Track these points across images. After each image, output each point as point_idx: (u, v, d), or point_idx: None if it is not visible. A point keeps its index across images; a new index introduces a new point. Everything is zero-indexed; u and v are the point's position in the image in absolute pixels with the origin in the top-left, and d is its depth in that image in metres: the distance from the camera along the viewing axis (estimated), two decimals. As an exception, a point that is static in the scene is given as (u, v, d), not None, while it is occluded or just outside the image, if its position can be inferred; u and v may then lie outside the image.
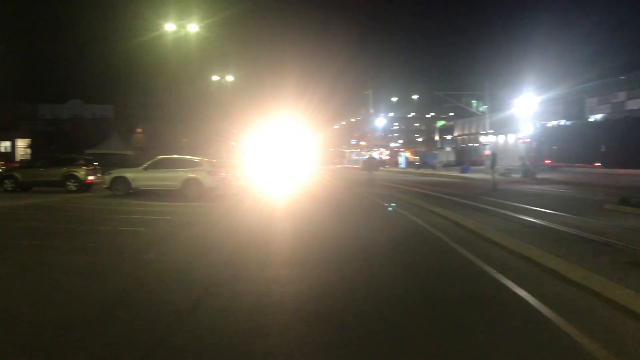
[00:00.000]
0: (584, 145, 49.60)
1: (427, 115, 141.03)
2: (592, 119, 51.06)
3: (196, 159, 22.71)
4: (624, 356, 4.73)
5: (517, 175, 39.49)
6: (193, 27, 37.34)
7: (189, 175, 20.95)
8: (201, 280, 7.46)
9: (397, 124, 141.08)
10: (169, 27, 36.25)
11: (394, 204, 16.22)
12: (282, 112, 57.73)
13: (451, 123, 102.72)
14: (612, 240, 10.70)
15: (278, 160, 47.81)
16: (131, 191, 20.95)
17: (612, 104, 47.33)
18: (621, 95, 46.15)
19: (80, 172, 23.38)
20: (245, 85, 56.01)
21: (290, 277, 7.73)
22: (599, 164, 47.03)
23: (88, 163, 24.86)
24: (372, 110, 60.87)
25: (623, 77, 46.28)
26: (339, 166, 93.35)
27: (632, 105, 44.57)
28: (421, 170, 61.01)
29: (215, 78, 49.12)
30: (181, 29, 36.85)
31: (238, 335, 5.24)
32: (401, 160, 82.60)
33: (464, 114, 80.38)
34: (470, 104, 68.68)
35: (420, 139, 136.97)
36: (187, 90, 45.33)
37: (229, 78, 49.43)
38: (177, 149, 35.63)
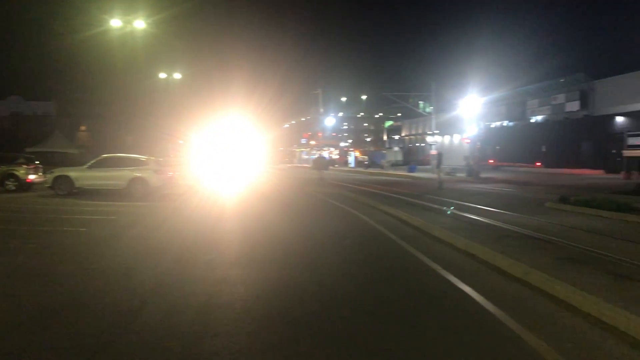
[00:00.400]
0: (526, 145, 51.33)
1: (376, 116, 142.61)
2: (533, 120, 52.83)
3: (142, 157, 22.23)
4: (563, 348, 4.93)
5: (461, 175, 40.48)
6: (140, 24, 36.55)
7: (135, 174, 20.50)
8: (147, 281, 7.33)
9: (346, 123, 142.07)
10: (115, 23, 35.34)
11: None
12: (231, 110, 57.27)
13: (399, 123, 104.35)
14: (552, 237, 11.12)
15: (227, 159, 47.37)
16: (75, 191, 20.34)
17: (552, 106, 49.09)
18: (560, 97, 47.92)
19: (20, 171, 22.53)
20: (193, 83, 55.33)
21: (239, 277, 7.70)
22: (540, 164, 48.76)
23: (29, 161, 23.99)
24: (321, 110, 61.12)
25: (562, 80, 48.07)
26: (289, 165, 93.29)
27: (571, 107, 46.35)
28: (370, 170, 61.64)
29: (162, 75, 48.23)
30: (127, 25, 35.99)
31: (186, 336, 5.19)
32: (350, 159, 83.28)
33: (412, 114, 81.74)
34: (417, 105, 69.87)
35: (369, 139, 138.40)
36: (133, 88, 44.37)
37: (177, 76, 48.63)
38: (123, 147, 34.83)
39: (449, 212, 15.95)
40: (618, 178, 34.59)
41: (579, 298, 6.21)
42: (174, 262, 8.76)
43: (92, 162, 21.31)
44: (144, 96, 47.23)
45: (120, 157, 22.18)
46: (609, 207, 15.24)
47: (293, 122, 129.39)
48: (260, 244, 10.66)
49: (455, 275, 7.79)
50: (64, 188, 20.30)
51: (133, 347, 4.90)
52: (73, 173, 20.72)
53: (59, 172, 20.97)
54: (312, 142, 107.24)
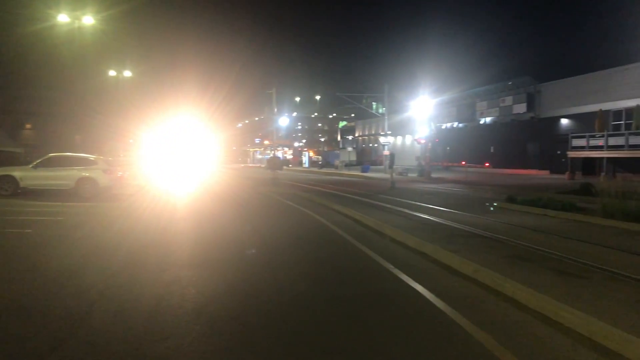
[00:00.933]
0: (475, 146, 52.54)
1: (330, 116, 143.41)
2: (482, 121, 54.09)
3: (91, 157, 21.63)
4: (511, 345, 5.07)
5: (413, 175, 41.12)
6: (88, 20, 35.58)
7: (83, 173, 19.95)
8: (96, 283, 7.13)
9: (300, 123, 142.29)
10: (62, 18, 34.28)
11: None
12: (184, 109, 56.49)
13: (353, 124, 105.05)
14: (500, 235, 11.43)
15: (179, 158, 46.69)
16: (19, 191, 19.62)
17: (500, 108, 50.36)
18: (508, 100, 49.20)
19: (-40, 171, 21.55)
20: (144, 81, 54.32)
21: (191, 278, 7.58)
22: (488, 164, 50.00)
23: (-32, 161, 23.01)
24: (275, 110, 60.91)
25: (510, 83, 49.39)
26: (242, 165, 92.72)
27: (518, 109, 47.68)
28: (324, 170, 61.89)
29: (112, 73, 47.11)
30: (75, 20, 34.99)
31: (135, 339, 5.08)
32: (305, 159, 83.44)
33: (365, 115, 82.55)
34: (370, 106, 70.71)
35: (323, 139, 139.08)
36: (82, 85, 43.14)
37: (127, 73, 47.60)
38: (71, 146, 33.85)
39: (399, 212, 16.15)
40: (563, 178, 35.83)
41: (526, 295, 6.39)
42: (124, 263, 8.56)
43: (38, 161, 20.60)
44: (93, 94, 46.01)
45: (67, 156, 21.52)
46: (554, 207, 15.77)
47: (246, 121, 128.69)
48: (213, 245, 10.54)
49: (407, 274, 7.90)
50: (8, 188, 19.54)
51: (80, 352, 4.76)
52: (17, 173, 19.97)
53: (2, 171, 20.16)
54: (266, 142, 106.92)
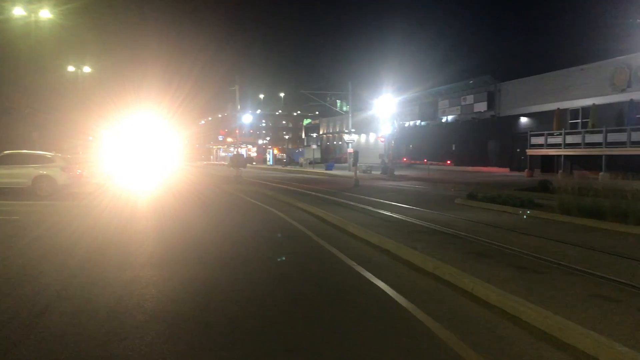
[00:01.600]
0: (437, 144, 53.26)
1: (294, 113, 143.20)
2: (444, 119, 54.85)
3: (48, 154, 21.08)
4: (469, 339, 5.15)
5: (377, 172, 41.37)
6: (45, 13, 34.62)
7: (40, 171, 19.46)
8: (52, 284, 6.96)
9: (264, 121, 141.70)
10: (18, 11, 33.27)
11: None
12: (146, 106, 55.59)
13: (317, 121, 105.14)
14: (461, 232, 11.60)
15: (141, 156, 45.96)
16: (-29, 190, 19.01)
17: (462, 106, 51.14)
18: (469, 98, 50.00)
19: None
20: (104, 77, 53.00)
21: (151, 278, 7.46)
22: (450, 162, 50.75)
23: None
24: (239, 107, 60.51)
25: (471, 81, 50.19)
26: (206, 163, 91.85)
27: (479, 107, 48.49)
28: (288, 167, 61.80)
29: (70, 69, 45.95)
30: (32, 14, 34.00)
31: (93, 340, 4.98)
32: (269, 157, 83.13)
33: (329, 112, 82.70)
34: (335, 104, 70.80)
35: (287, 137, 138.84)
36: (38, 81, 41.90)
37: (86, 69, 46.51)
38: (27, 143, 32.84)
39: (363, 209, 16.24)
40: (522, 175, 36.60)
41: (485, 290, 6.51)
42: (82, 263, 8.37)
43: (-8, 159, 19.98)
44: (51, 90, 44.73)
45: (24, 153, 20.95)
46: (513, 203, 16.10)
47: (209, 118, 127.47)
48: (174, 244, 10.41)
49: (370, 271, 7.95)
50: (-40, 187, 18.92)
51: (34, 354, 4.64)
52: (-30, 171, 19.34)
53: (-47, 169, 19.50)
54: (229, 140, 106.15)
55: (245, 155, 56.52)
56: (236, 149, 62.44)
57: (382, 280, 7.41)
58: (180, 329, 5.34)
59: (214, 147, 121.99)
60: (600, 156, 31.36)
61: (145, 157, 46.05)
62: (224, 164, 66.80)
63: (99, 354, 4.66)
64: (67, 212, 15.27)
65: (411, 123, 60.92)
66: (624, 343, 4.75)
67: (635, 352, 4.51)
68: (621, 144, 30.25)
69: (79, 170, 22.27)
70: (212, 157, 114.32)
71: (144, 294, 6.58)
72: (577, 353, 4.78)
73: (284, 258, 9.16)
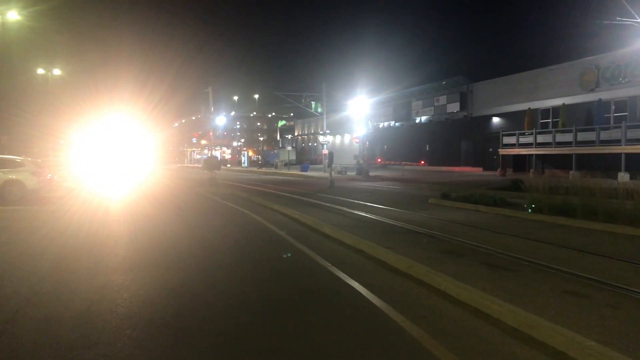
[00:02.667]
0: (411, 144, 53.69)
1: (269, 115, 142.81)
2: (417, 120, 55.28)
3: (18, 158, 20.66)
4: (442, 337, 5.18)
5: (352, 173, 41.52)
6: (13, 15, 33.95)
7: (9, 176, 19.03)
8: (21, 290, 6.82)
9: (239, 123, 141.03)
10: (-17, 13, 32.58)
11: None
12: (119, 109, 54.85)
13: (292, 123, 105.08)
14: (435, 231, 11.71)
15: (113, 159, 45.32)
16: (-63, 195, 18.51)
17: (435, 107, 51.59)
18: (442, 99, 50.49)
19: None
20: (75, 79, 52.14)
21: (123, 282, 7.36)
22: (424, 162, 51.17)
23: None
24: (212, 109, 60.11)
25: (444, 82, 50.69)
26: (179, 165, 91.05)
27: (452, 108, 48.99)
28: (263, 169, 61.64)
29: (40, 71, 45.14)
30: (-1, 16, 33.31)
31: (62, 347, 4.88)
32: (244, 159, 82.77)
33: (304, 114, 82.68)
34: (309, 105, 70.75)
35: (262, 138, 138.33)
36: (7, 83, 41.03)
37: (56, 72, 45.73)
38: (-5, 147, 32.17)
39: (338, 210, 16.26)
40: (495, 175, 37.09)
41: (457, 289, 6.57)
42: (52, 269, 8.22)
43: (-41, 163, 19.50)
44: (20, 92, 43.86)
45: (-8, 157, 20.48)
46: (485, 202, 16.31)
47: (183, 121, 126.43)
48: (147, 248, 10.29)
49: (344, 272, 7.96)
50: None
51: (1, 363, 4.54)
52: (-64, 176, 18.84)
53: None
54: (203, 142, 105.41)
55: (219, 158, 56.09)
56: (210, 151, 62.05)
57: (357, 280, 7.42)
58: (153, 334, 5.27)
59: (188, 149, 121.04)
60: (570, 155, 31.94)
61: (118, 160, 45.40)
62: (197, 167, 66.28)
63: (69, 361, 4.57)
64: (37, 216, 14.99)
65: (385, 124, 61.27)
66: (593, 338, 4.84)
67: (603, 346, 4.60)
68: (590, 142, 30.87)
69: (50, 175, 21.86)
70: (185, 160, 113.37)
71: (115, 299, 6.49)
72: (547, 349, 4.85)
73: (258, 261, 9.12)
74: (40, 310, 6.03)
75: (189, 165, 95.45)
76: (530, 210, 14.34)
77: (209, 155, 51.60)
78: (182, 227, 13.30)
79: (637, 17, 18.00)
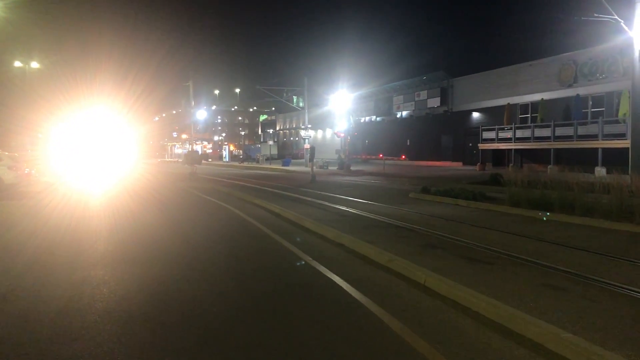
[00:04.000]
0: (392, 139, 53.87)
1: (250, 109, 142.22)
2: (399, 115, 55.48)
3: (-6, 152, 20.36)
4: (421, 330, 5.24)
5: (334, 168, 41.58)
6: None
7: (-15, 171, 18.75)
8: (-2, 286, 6.74)
9: (220, 117, 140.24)
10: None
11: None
12: (99, 102, 54.12)
13: (273, 117, 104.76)
14: (415, 225, 11.78)
15: (93, 154, 44.83)
16: None
17: (416, 102, 51.79)
18: (423, 94, 50.70)
19: None
20: (54, 72, 51.32)
21: (103, 277, 7.30)
22: (405, 157, 51.41)
23: None
24: (193, 103, 59.69)
25: (424, 77, 50.88)
26: (160, 160, 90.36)
27: (432, 103, 49.25)
28: (245, 164, 61.50)
29: (17, 64, 44.38)
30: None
31: (40, 342, 4.83)
32: (225, 153, 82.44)
33: (286, 108, 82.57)
34: (291, 99, 70.69)
35: (243, 133, 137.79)
36: (-17, 76, 40.35)
37: (34, 64, 45.00)
38: (-29, 141, 31.62)
39: (319, 204, 16.28)
40: (474, 169, 37.40)
41: (437, 282, 6.63)
42: (29, 264, 8.13)
43: None
44: (-4, 86, 43.21)
45: (-33, 152, 20.14)
46: (465, 196, 16.46)
47: (163, 115, 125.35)
48: (127, 243, 10.20)
49: (325, 266, 7.99)
50: None
51: (-22, 360, 4.48)
52: None
53: None
54: (184, 136, 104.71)
55: (200, 152, 55.79)
56: (191, 146, 61.66)
57: (337, 274, 7.45)
58: (133, 330, 5.24)
59: (169, 144, 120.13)
60: (548, 150, 32.34)
61: (98, 155, 44.90)
62: (178, 161, 65.84)
63: (46, 357, 4.53)
64: (15, 211, 14.79)
65: (367, 119, 61.40)
66: (570, 330, 4.93)
67: (579, 338, 4.69)
68: (568, 137, 31.27)
69: (27, 169, 21.58)
70: (166, 154, 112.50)
71: (94, 294, 6.44)
72: (524, 341, 4.92)
73: (239, 256, 9.11)
74: (17, 306, 5.97)
75: (169, 159, 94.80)
76: (508, 204, 14.50)
77: (190, 149, 51.26)
78: (162, 222, 13.22)
79: (614, 14, 18.24)
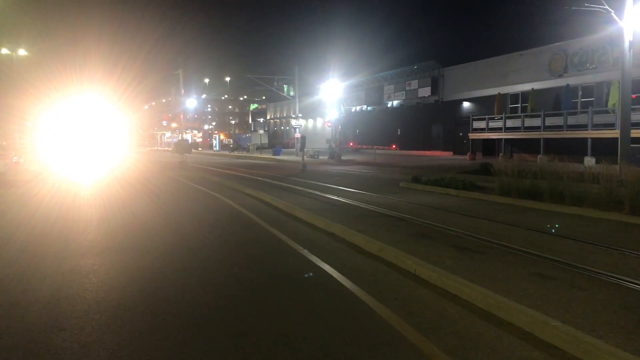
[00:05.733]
0: (383, 128, 53.81)
1: (241, 98, 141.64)
2: (389, 104, 55.41)
3: (-19, 141, 20.15)
4: (412, 319, 5.25)
5: (324, 157, 41.56)
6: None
7: (-28, 159, 18.55)
8: (-15, 276, 6.68)
9: (210, 106, 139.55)
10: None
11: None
12: (88, 90, 53.56)
13: (264, 106, 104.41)
14: (405, 214, 11.80)
15: (83, 142, 44.55)
16: None
17: (407, 91, 51.73)
18: (414, 84, 50.62)
19: None
20: (42, 59, 50.70)
21: (92, 266, 7.26)
22: (395, 146, 51.43)
23: None
24: (182, 91, 59.29)
25: (415, 67, 50.79)
26: (149, 149, 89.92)
27: (423, 92, 49.21)
28: (235, 153, 61.27)
29: (4, 51, 43.82)
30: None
31: (28, 332, 4.80)
32: (215, 142, 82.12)
33: (276, 97, 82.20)
34: (282, 88, 70.40)
35: (234, 122, 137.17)
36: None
37: (22, 52, 44.44)
38: (-42, 130, 31.26)
39: (310, 194, 16.26)
40: (465, 159, 37.48)
41: (427, 271, 6.64)
42: (18, 253, 8.07)
43: None
44: (-17, 74, 42.67)
45: (-47, 140, 19.92)
46: (455, 186, 16.50)
47: (153, 103, 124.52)
48: (117, 232, 10.14)
49: (316, 255, 7.99)
50: None
51: (-34, 349, 4.44)
52: None
53: None
54: (174, 125, 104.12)
55: (190, 141, 55.48)
56: (181, 135, 61.34)
57: (328, 263, 7.45)
58: (123, 319, 5.22)
59: (158, 132, 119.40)
60: (538, 139, 32.44)
61: (87, 143, 44.61)
62: (168, 150, 65.53)
63: (33, 346, 4.49)
64: (3, 200, 14.67)
65: (357, 108, 61.29)
66: (559, 318, 4.96)
67: (568, 326, 4.71)
68: (558, 127, 31.38)
69: (16, 157, 21.39)
70: (156, 143, 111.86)
71: (84, 283, 6.40)
72: (514, 329, 4.95)
73: (230, 244, 9.09)
74: (5, 296, 5.93)
75: (159, 148, 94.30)
76: (498, 194, 14.56)
77: (180, 138, 51.01)
78: (152, 211, 13.16)
79: (604, 4, 18.27)
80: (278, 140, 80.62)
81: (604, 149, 25.08)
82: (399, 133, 52.71)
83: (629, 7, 17.90)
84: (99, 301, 5.75)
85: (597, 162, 23.19)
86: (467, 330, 4.97)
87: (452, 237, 9.16)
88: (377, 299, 5.82)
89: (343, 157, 39.80)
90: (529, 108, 35.31)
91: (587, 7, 18.73)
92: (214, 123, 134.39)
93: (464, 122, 41.84)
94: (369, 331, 4.97)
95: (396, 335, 4.84)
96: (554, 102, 34.44)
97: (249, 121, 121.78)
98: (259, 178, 23.09)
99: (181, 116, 65.29)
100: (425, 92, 48.96)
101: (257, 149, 62.54)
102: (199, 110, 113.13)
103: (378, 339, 4.78)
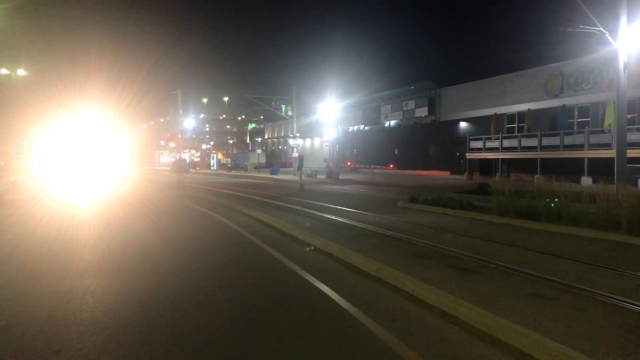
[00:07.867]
0: (380, 148, 53.97)
1: (239, 118, 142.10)
2: (387, 124, 55.66)
3: (-21, 161, 20.15)
4: (410, 340, 5.23)
5: (322, 176, 41.57)
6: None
7: (-30, 179, 18.54)
8: (-18, 296, 6.64)
9: (208, 125, 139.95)
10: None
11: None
12: (87, 111, 53.68)
13: (262, 126, 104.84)
14: (402, 234, 11.79)
15: (81, 162, 44.56)
16: None
17: (404, 111, 52.03)
18: (411, 104, 50.93)
19: None
20: (42, 79, 50.89)
21: (88, 287, 7.23)
22: (392, 166, 51.55)
23: None
24: (181, 111, 59.49)
25: (412, 87, 51.13)
26: (147, 168, 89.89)
27: (420, 112, 49.49)
28: (233, 172, 61.28)
29: (3, 71, 44.02)
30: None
31: (24, 353, 4.77)
32: (213, 162, 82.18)
33: (274, 117, 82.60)
34: (279, 108, 70.77)
35: (232, 141, 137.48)
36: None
37: (21, 72, 44.64)
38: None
39: (308, 213, 16.25)
40: (462, 179, 37.56)
41: (425, 292, 6.63)
42: (16, 274, 8.04)
43: None
44: (-19, 94, 42.79)
45: (-49, 160, 19.93)
46: (453, 206, 16.51)
47: (151, 123, 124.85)
48: (114, 252, 10.11)
49: (313, 275, 7.97)
50: None
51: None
52: None
53: None
54: (172, 145, 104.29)
55: (188, 161, 55.54)
56: (178, 154, 61.36)
57: (325, 283, 7.43)
58: (118, 340, 5.19)
59: (156, 152, 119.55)
60: (535, 159, 32.55)
61: (87, 163, 44.64)
62: (166, 170, 65.51)
63: (31, 369, 4.47)
64: (1, 220, 14.60)
65: (355, 128, 61.54)
66: (557, 340, 4.94)
67: (567, 347, 4.70)
68: (555, 147, 31.50)
69: (13, 177, 21.38)
70: (154, 162, 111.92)
71: (80, 304, 6.37)
72: (513, 351, 4.93)
73: (227, 265, 9.06)
74: (2, 316, 5.89)
75: (157, 168, 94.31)
76: (496, 214, 14.57)
77: (178, 158, 50.99)
78: (149, 231, 13.13)
79: (599, 25, 18.47)
80: (276, 159, 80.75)
81: (601, 169, 25.18)
82: (396, 153, 52.87)
83: (623, 29, 18.11)
84: (95, 322, 5.72)
85: (593, 181, 23.27)
86: (465, 351, 4.95)
87: (450, 257, 9.15)
88: (374, 320, 5.80)
89: (341, 177, 39.83)
90: (525, 128, 35.49)
91: (582, 28, 18.92)
92: (212, 142, 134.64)
93: (461, 142, 41.98)
94: (367, 352, 4.95)
95: (394, 357, 4.82)
96: (551, 122, 34.62)
97: (247, 140, 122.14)
98: (257, 197, 23.07)
99: (179, 136, 65.40)
100: (422, 112, 49.23)
101: (254, 168, 62.59)
102: (197, 130, 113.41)
103: (376, 361, 4.75)
